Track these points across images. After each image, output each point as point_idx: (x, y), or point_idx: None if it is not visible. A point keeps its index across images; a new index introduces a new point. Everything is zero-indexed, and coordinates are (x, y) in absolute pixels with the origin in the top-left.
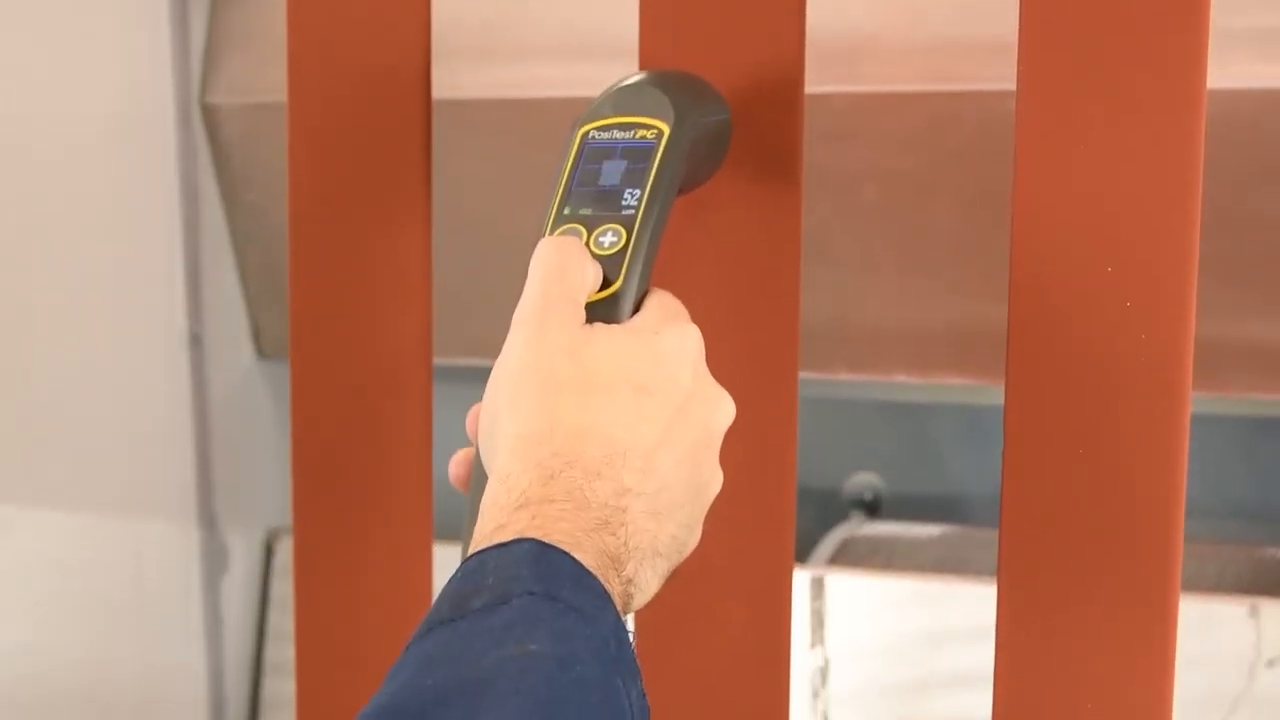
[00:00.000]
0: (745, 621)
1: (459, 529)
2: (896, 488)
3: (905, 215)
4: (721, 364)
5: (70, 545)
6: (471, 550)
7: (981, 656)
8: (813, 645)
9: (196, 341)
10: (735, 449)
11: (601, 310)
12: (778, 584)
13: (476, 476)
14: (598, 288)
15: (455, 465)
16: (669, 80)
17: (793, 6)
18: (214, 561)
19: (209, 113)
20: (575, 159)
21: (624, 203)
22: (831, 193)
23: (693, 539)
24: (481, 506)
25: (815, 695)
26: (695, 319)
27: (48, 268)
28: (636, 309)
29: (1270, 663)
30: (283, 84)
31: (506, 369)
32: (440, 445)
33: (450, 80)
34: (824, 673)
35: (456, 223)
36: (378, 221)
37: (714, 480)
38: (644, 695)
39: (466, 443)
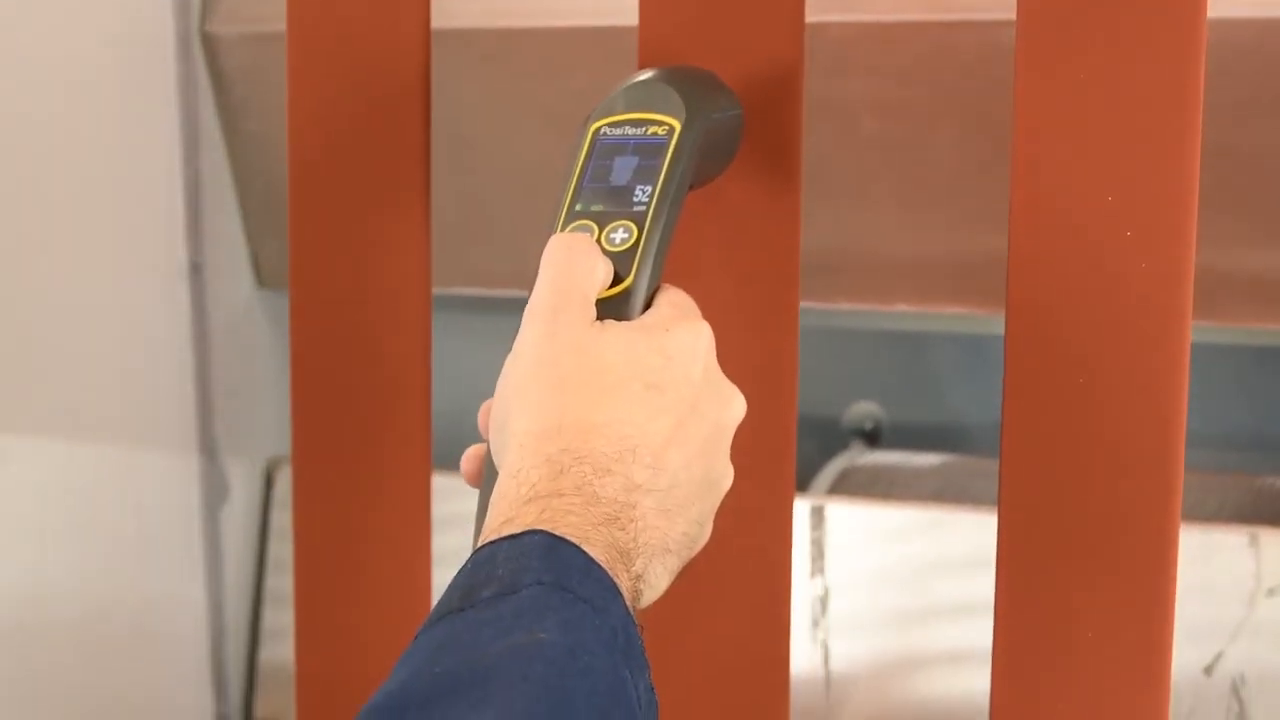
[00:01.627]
0: (746, 551)
1: (458, 458)
2: (896, 417)
3: (905, 145)
4: (721, 296)
5: (69, 475)
6: (480, 543)
7: (981, 585)
8: (813, 574)
9: (196, 271)
10: (736, 379)
11: (612, 307)
12: (778, 513)
13: (487, 472)
14: (609, 284)
15: (466, 460)
16: (680, 77)
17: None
18: (213, 491)
19: (209, 42)
20: (587, 155)
21: (635, 199)
22: (830, 123)
23: (703, 535)
24: (491, 501)
25: (815, 624)
26: (694, 293)
27: (46, 197)
28: (648, 305)
29: (1270, 592)
30: (283, 13)
31: (517, 365)
32: (440, 374)
33: (449, 8)
34: (824, 601)
35: (456, 152)
36: (377, 151)
37: (725, 477)
38: (652, 689)
39: (464, 372)
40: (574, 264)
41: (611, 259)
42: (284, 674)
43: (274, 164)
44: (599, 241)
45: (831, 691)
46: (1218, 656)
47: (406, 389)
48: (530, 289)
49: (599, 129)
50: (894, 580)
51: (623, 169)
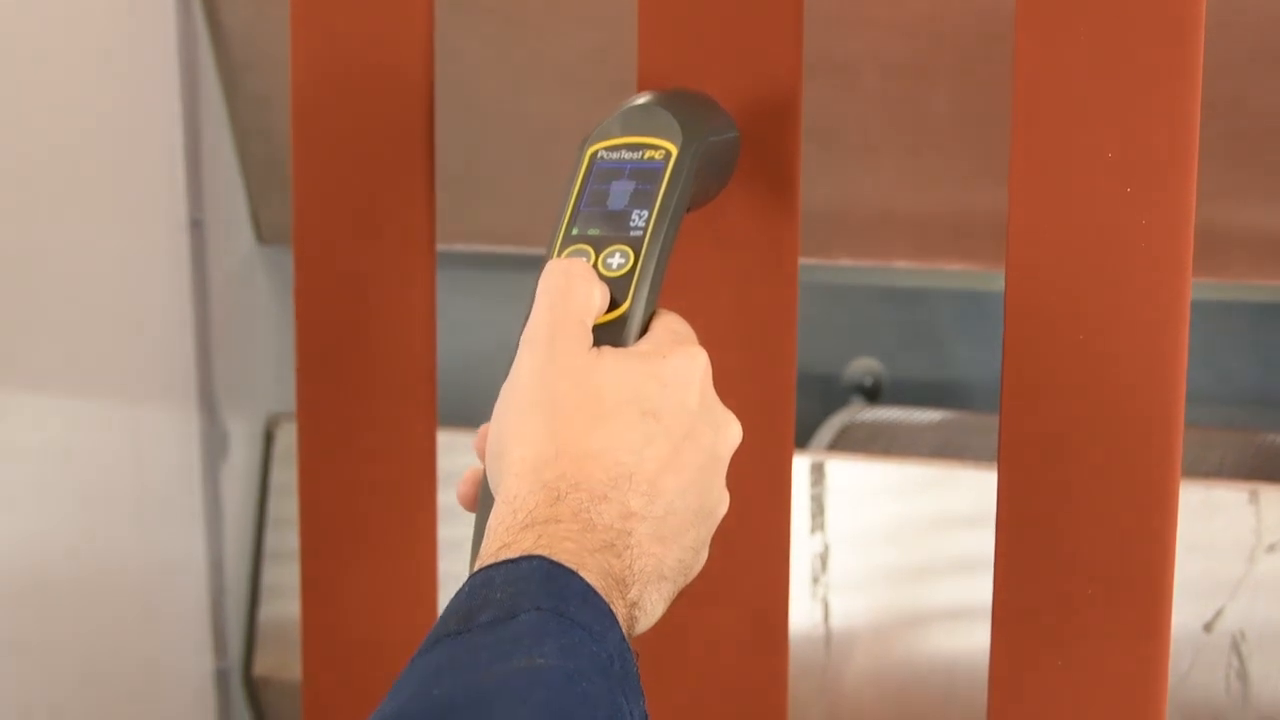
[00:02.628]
0: (745, 507)
1: (461, 415)
2: (896, 373)
3: (906, 100)
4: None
5: (68, 431)
6: (477, 567)
7: (981, 541)
8: (813, 531)
9: (197, 227)
10: (735, 334)
11: (609, 332)
12: (778, 470)
13: (484, 497)
14: (605, 309)
15: (463, 484)
16: (677, 101)
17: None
18: (214, 447)
19: None
20: (584, 179)
21: (632, 224)
22: (831, 78)
23: (698, 562)
24: (488, 527)
25: (815, 580)
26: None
27: (46, 153)
28: (644, 330)
29: (1270, 548)
30: None
31: (514, 392)
32: (444, 330)
33: None
34: (824, 558)
35: (460, 108)
36: (380, 106)
37: (720, 504)
38: (646, 717)
39: (468, 329)
40: (571, 290)
41: (608, 284)
42: (283, 630)
43: (275, 120)
44: (596, 266)
45: (832, 647)
46: (1218, 613)
47: (411, 345)
48: (528, 311)
49: (596, 152)
50: (894, 536)
51: (619, 193)
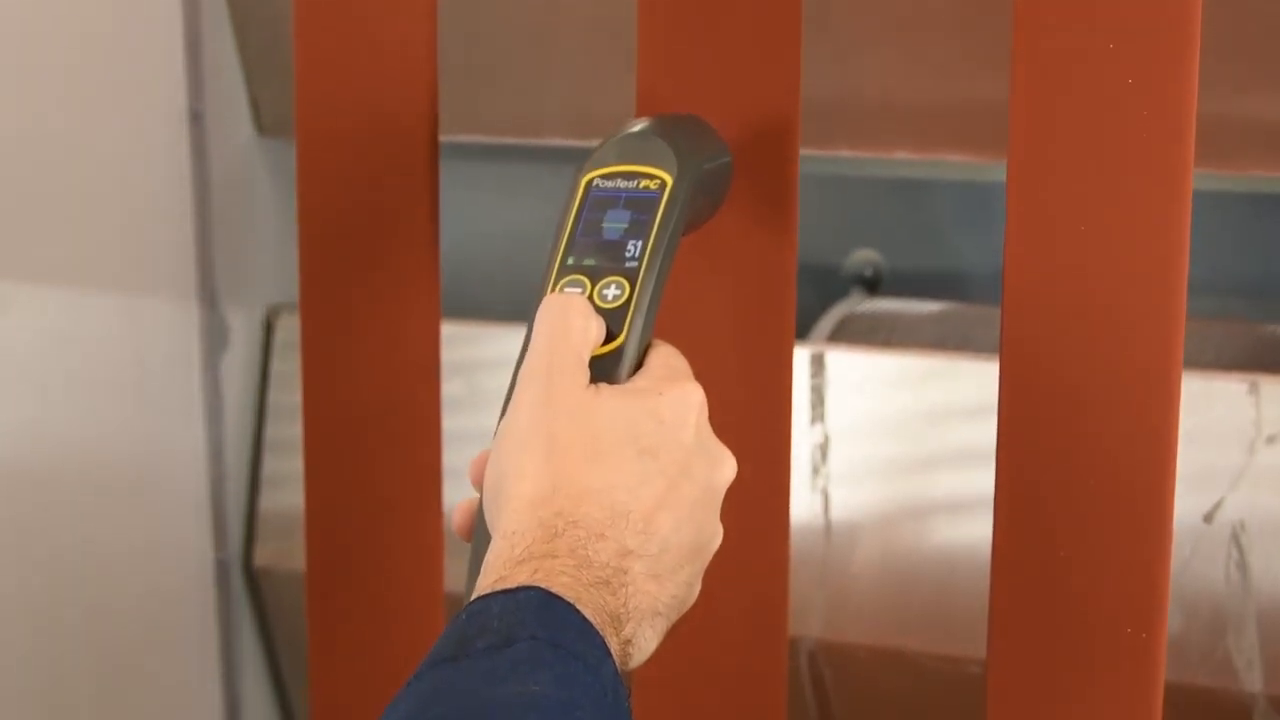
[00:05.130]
0: (745, 397)
1: (465, 306)
2: (897, 264)
3: None
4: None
5: (70, 322)
6: (474, 597)
7: (982, 432)
8: (813, 422)
9: (196, 118)
10: (736, 226)
11: (605, 364)
12: (778, 360)
13: (479, 531)
14: (601, 342)
15: (458, 514)
16: (672, 128)
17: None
18: (213, 339)
19: None
20: (579, 207)
21: (627, 254)
22: None
23: (692, 595)
24: (485, 561)
25: (815, 472)
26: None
27: (45, 43)
28: (640, 362)
29: (1270, 439)
30: None
31: (513, 429)
32: (447, 222)
33: None
34: (824, 449)
35: None
36: None
37: (715, 538)
38: None
39: (470, 221)
40: (569, 326)
41: (604, 315)
42: (283, 521)
43: (274, 10)
44: (591, 298)
45: (832, 539)
46: (1218, 504)
47: (413, 237)
48: (525, 345)
49: (591, 180)
50: (894, 428)
51: (615, 223)
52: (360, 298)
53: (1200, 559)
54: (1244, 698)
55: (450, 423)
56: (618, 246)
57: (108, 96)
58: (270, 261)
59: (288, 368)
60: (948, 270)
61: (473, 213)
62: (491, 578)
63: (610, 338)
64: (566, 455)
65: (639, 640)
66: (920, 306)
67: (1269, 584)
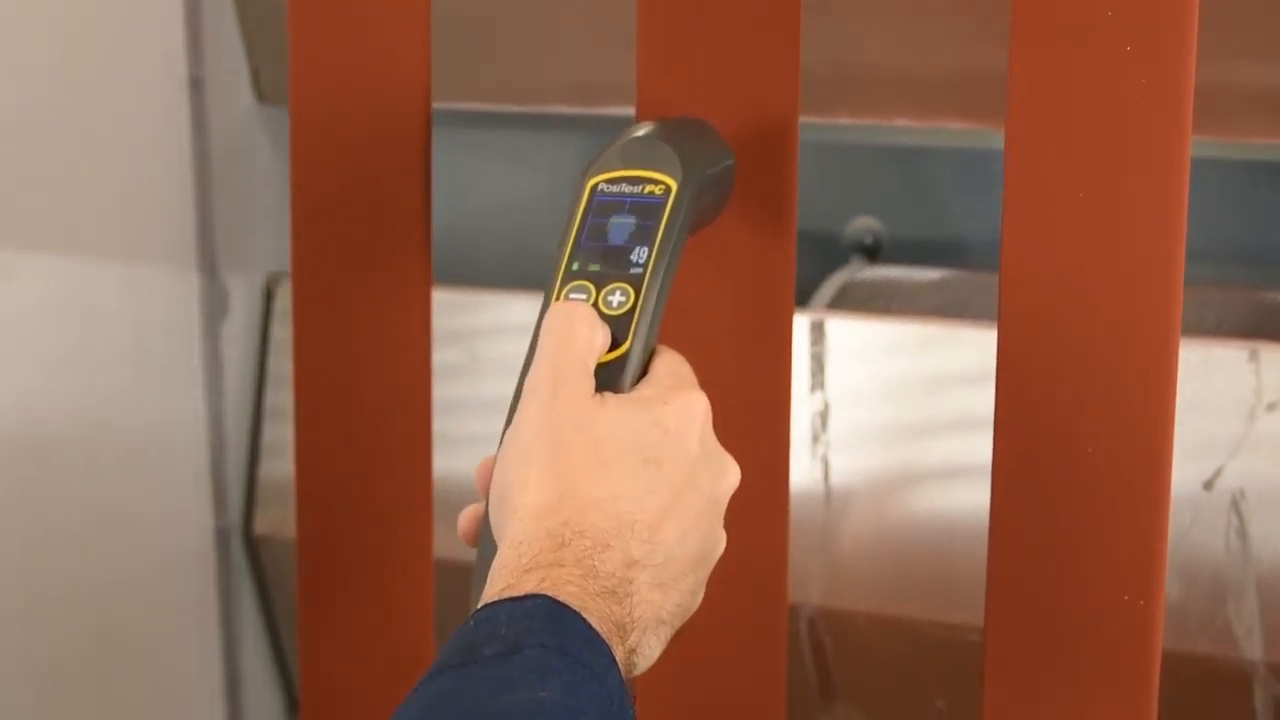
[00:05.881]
0: (746, 365)
1: (458, 273)
2: (897, 232)
3: None
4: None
5: (69, 290)
6: (481, 604)
7: (982, 400)
8: (812, 389)
9: (196, 86)
10: (736, 194)
11: (610, 371)
12: (778, 328)
13: (484, 539)
14: (607, 349)
15: (464, 520)
16: (677, 133)
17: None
18: (213, 306)
19: None
20: (584, 212)
21: (632, 260)
22: None
23: (695, 603)
24: (491, 570)
25: (815, 439)
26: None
27: (44, 11)
28: (645, 368)
29: (1270, 406)
30: None
31: (518, 438)
32: (440, 190)
33: None
34: (824, 416)
35: None
36: None
37: (718, 546)
38: None
39: (464, 188)
40: (574, 335)
41: (609, 322)
42: (283, 488)
43: None
44: (596, 304)
45: (831, 505)
46: (1217, 471)
47: (406, 204)
48: (530, 354)
49: (596, 185)
50: (894, 395)
51: (620, 229)
52: (353, 265)
53: (1200, 527)
54: (1244, 665)
55: (451, 390)
56: (622, 252)
57: (107, 64)
58: (270, 229)
59: (288, 335)
60: (947, 238)
61: (474, 180)
62: (498, 586)
63: (615, 344)
64: (572, 465)
65: (643, 649)
66: (920, 274)
67: (1269, 552)
